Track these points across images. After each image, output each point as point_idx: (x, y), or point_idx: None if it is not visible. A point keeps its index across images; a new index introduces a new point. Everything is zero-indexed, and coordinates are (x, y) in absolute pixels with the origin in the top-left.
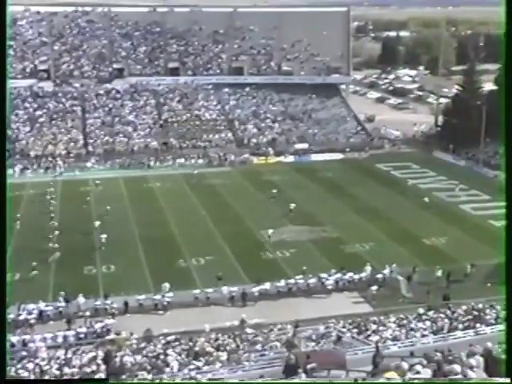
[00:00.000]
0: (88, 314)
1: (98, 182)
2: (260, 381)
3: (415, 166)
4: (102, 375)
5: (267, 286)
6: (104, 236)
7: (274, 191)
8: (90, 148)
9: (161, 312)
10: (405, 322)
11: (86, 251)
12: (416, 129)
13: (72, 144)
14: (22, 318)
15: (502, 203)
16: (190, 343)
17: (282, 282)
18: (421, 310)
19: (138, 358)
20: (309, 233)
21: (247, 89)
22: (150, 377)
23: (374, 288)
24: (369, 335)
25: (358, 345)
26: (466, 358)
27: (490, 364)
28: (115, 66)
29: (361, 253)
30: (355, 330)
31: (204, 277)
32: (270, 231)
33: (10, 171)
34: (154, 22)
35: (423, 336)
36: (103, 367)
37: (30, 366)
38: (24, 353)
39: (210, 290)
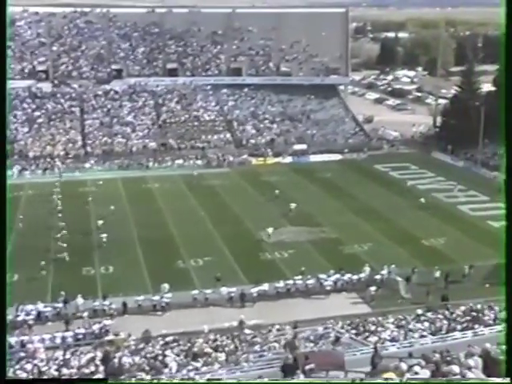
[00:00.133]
0: (86, 314)
1: (98, 182)
2: (258, 381)
3: (414, 166)
4: (100, 376)
5: (266, 286)
6: (104, 235)
7: (277, 192)
8: (89, 149)
9: (159, 313)
10: (403, 322)
11: (86, 251)
12: (415, 130)
13: (70, 145)
14: (20, 318)
15: (500, 204)
16: (189, 344)
17: (281, 283)
18: (419, 311)
19: (137, 358)
20: (307, 233)
21: (246, 89)
22: (148, 377)
23: (373, 289)
24: (367, 336)
25: (356, 345)
26: (464, 358)
27: (489, 365)
28: (114, 66)
29: (359, 253)
30: (354, 331)
31: (203, 277)
32: (270, 230)
33: (8, 172)
34: (152, 23)
35: (422, 337)
36: (101, 368)
37: (29, 366)
38: (22, 354)
39: (208, 291)
